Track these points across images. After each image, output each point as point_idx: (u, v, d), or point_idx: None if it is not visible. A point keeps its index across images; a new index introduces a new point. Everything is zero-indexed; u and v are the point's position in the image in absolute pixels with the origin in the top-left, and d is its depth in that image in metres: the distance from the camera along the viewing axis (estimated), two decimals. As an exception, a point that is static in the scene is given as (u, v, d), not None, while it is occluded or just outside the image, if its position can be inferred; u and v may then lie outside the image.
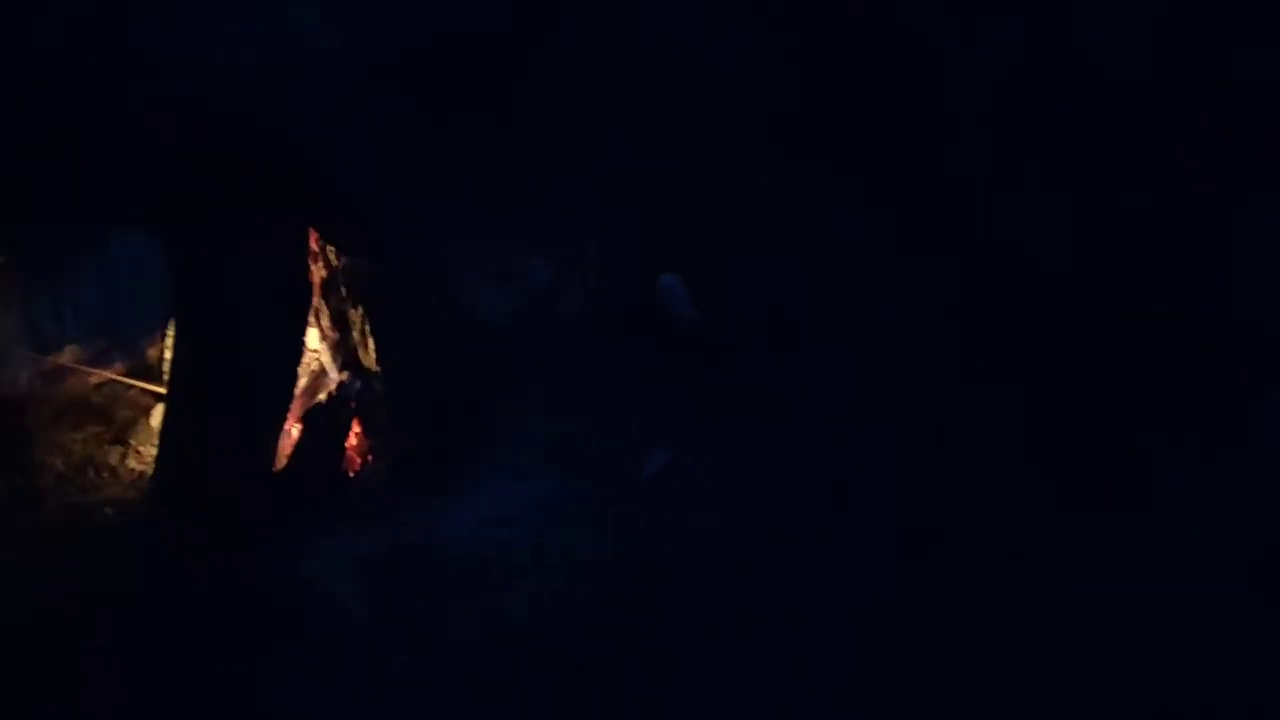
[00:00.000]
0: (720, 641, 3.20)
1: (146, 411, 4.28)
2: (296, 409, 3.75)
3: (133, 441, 4.16)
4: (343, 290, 3.69)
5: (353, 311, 3.71)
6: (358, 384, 3.76)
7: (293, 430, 3.73)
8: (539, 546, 3.54)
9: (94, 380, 4.50)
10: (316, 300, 3.70)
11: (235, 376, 3.44)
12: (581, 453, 3.95)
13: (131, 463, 4.08)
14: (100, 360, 4.51)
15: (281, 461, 3.71)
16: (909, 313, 4.31)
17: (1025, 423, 3.75)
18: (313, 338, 3.80)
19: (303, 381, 3.83)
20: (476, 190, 4.75)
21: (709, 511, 3.70)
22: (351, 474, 3.83)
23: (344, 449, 3.79)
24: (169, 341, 4.17)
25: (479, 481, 3.80)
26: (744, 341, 4.39)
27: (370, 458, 3.84)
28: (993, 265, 4.21)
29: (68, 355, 4.47)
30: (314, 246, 3.62)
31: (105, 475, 4.06)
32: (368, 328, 3.73)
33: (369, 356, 3.78)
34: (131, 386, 4.44)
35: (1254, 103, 3.95)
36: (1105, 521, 3.36)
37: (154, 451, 3.90)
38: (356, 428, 3.84)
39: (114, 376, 4.48)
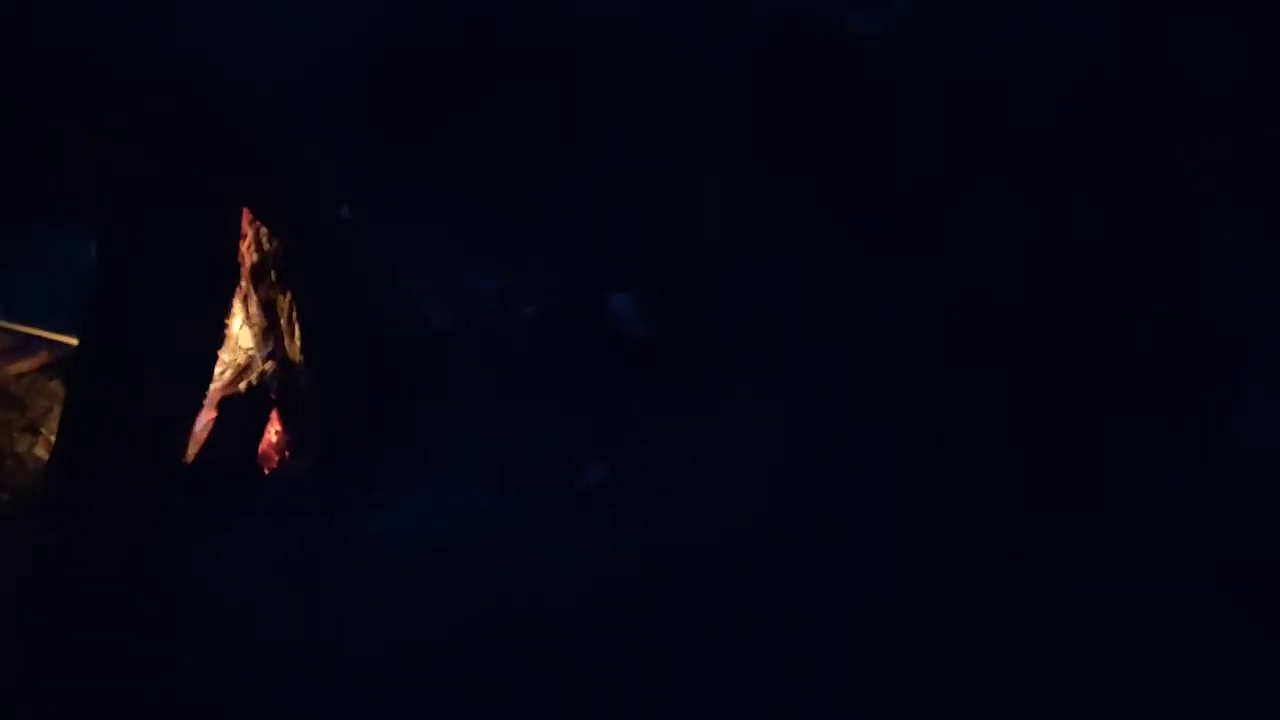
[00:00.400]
0: (651, 654, 3.04)
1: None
2: (214, 397, 3.56)
3: (44, 430, 3.96)
4: (273, 276, 3.55)
5: (281, 299, 3.57)
6: (279, 374, 3.59)
7: (208, 419, 3.54)
8: (455, 553, 3.36)
9: (13, 370, 4.32)
10: (245, 284, 3.55)
11: (147, 358, 3.27)
12: (514, 463, 3.80)
13: (40, 451, 3.88)
14: (23, 350, 4.35)
15: (192, 452, 3.51)
16: (886, 320, 4.23)
17: (1018, 422, 3.67)
18: (237, 324, 3.64)
19: (224, 371, 3.65)
20: (429, 194, 4.71)
21: (645, 525, 3.55)
22: (267, 470, 3.64)
23: (259, 442, 3.60)
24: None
25: (402, 485, 3.63)
26: (696, 359, 4.28)
27: (288, 454, 3.65)
28: (981, 266, 4.16)
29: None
30: (246, 228, 3.48)
31: (9, 463, 3.86)
32: (295, 316, 3.58)
33: (294, 346, 3.62)
34: (53, 378, 4.26)
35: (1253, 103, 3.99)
36: (1103, 521, 3.31)
37: (63, 439, 3.71)
38: (276, 423, 3.66)
39: (35, 366, 4.29)
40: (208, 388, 3.49)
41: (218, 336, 3.45)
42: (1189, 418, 3.55)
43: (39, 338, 4.35)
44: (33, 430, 4.06)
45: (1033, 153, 4.39)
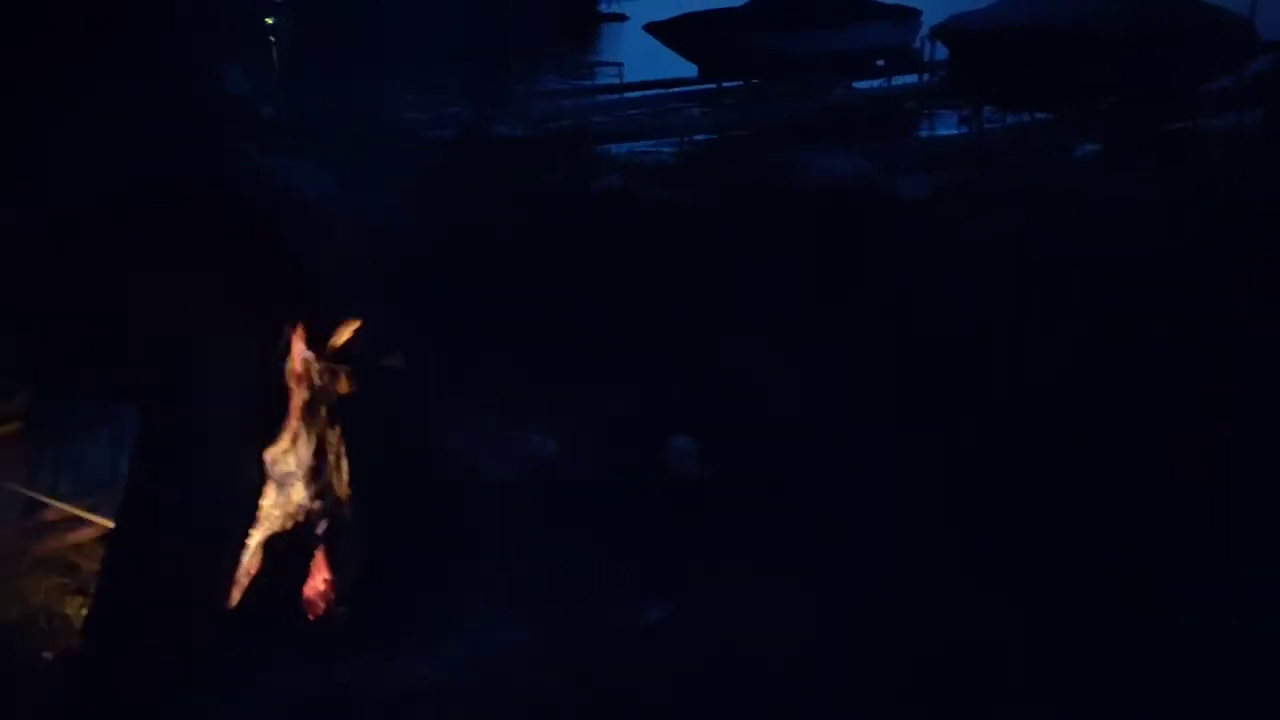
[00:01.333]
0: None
1: (115, 564, 4.01)
2: (260, 539, 3.45)
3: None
4: (323, 412, 3.53)
5: (330, 434, 3.53)
6: (326, 517, 3.49)
7: (252, 561, 3.42)
8: (502, 691, 3.09)
9: (70, 541, 4.30)
10: (295, 422, 3.53)
11: (190, 499, 3.21)
12: (567, 605, 3.57)
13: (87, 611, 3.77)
14: (81, 522, 4.34)
15: (236, 596, 3.37)
16: (937, 472, 4.13)
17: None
18: (288, 463, 3.58)
19: (271, 511, 3.56)
20: (484, 350, 4.79)
21: (702, 669, 3.26)
22: (312, 617, 3.45)
23: (304, 586, 3.44)
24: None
25: (449, 629, 3.42)
26: (756, 504, 4.13)
27: (334, 599, 3.48)
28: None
29: (53, 512, 4.32)
30: (297, 367, 3.50)
31: (58, 623, 3.76)
32: (344, 452, 3.52)
33: (343, 488, 3.54)
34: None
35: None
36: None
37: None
38: (324, 569, 3.51)
39: (92, 537, 4.26)
40: (251, 529, 3.39)
41: (263, 476, 3.39)
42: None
43: (100, 504, 4.36)
44: (83, 593, 3.99)
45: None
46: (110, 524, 4.27)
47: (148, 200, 3.23)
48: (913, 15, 25.11)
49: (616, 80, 23.10)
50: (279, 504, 3.60)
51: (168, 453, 3.24)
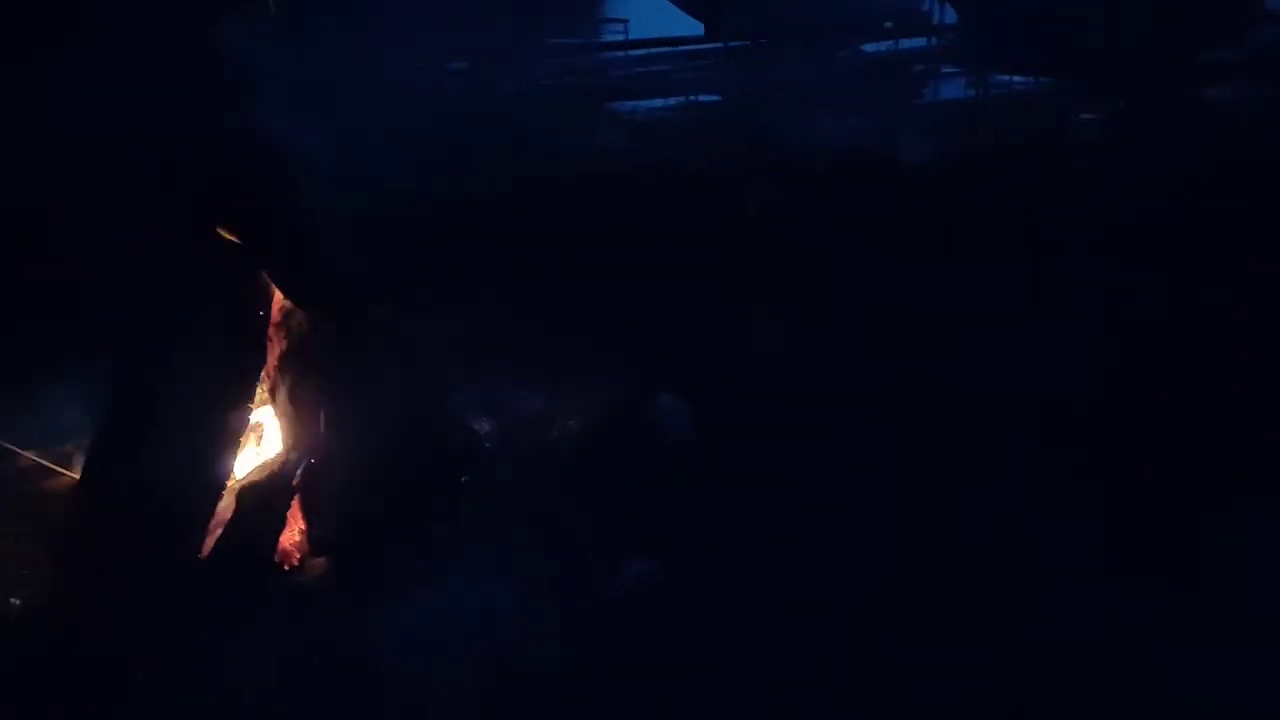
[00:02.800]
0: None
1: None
2: (235, 487, 3.41)
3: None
4: (303, 362, 3.47)
5: (310, 383, 3.47)
6: (304, 466, 3.44)
7: (228, 510, 3.37)
8: (479, 652, 3.05)
9: (46, 484, 4.25)
10: (273, 371, 3.47)
11: (165, 443, 3.16)
12: (550, 562, 3.53)
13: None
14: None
15: (210, 544, 3.33)
16: (933, 430, 4.07)
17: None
18: (266, 411, 3.54)
19: (247, 460, 3.52)
20: (473, 307, 4.71)
21: (688, 631, 3.23)
22: (287, 567, 3.42)
23: (280, 536, 3.40)
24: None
25: (429, 584, 3.38)
26: (748, 464, 4.08)
27: (309, 550, 3.44)
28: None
29: (22, 460, 4.28)
30: (278, 316, 3.44)
31: (25, 570, 3.72)
32: (325, 406, 3.47)
33: (322, 438, 3.48)
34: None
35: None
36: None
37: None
38: (299, 518, 3.47)
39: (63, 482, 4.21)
40: (228, 476, 3.35)
41: (241, 421, 3.33)
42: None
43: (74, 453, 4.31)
44: (51, 540, 3.93)
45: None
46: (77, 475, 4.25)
47: (133, 149, 3.14)
48: (922, -23, 24.74)
49: (622, 37, 22.76)
50: (256, 452, 3.56)
51: (139, 400, 3.19)
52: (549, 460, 4.17)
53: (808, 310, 5.00)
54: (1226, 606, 3.11)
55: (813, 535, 3.62)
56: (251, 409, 3.40)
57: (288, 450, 3.51)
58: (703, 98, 15.43)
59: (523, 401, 4.59)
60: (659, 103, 14.48)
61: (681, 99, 14.95)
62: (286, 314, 3.45)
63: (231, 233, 3.20)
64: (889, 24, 24.77)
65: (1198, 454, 3.84)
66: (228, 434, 3.33)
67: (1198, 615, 3.06)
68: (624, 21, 25.34)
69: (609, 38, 25.09)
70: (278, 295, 3.41)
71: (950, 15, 18.66)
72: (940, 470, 3.99)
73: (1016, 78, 15.56)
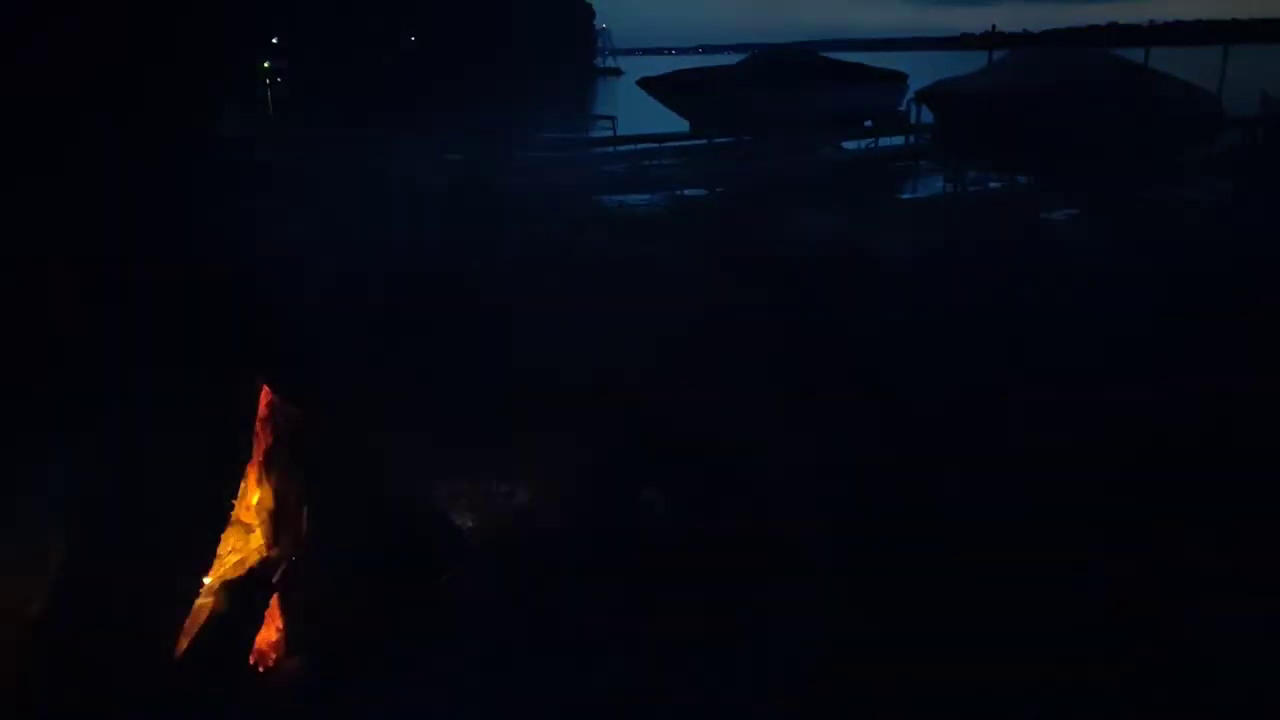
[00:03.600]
0: None
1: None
2: (213, 584, 3.38)
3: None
4: (288, 458, 3.49)
5: (293, 478, 3.48)
6: (283, 564, 3.43)
7: (204, 607, 3.34)
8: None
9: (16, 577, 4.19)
10: (257, 467, 3.49)
11: (142, 538, 3.15)
12: (527, 661, 3.50)
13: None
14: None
15: (184, 643, 3.28)
16: (913, 521, 4.09)
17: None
18: (248, 507, 3.54)
19: (227, 556, 3.50)
20: (458, 399, 4.76)
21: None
22: (262, 669, 3.37)
23: (256, 635, 3.37)
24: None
25: (408, 681, 3.34)
26: (730, 557, 4.09)
27: (286, 651, 3.40)
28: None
29: None
30: (264, 410, 3.47)
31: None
32: (307, 504, 3.47)
33: (302, 536, 3.48)
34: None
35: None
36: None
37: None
38: (277, 617, 3.44)
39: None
40: (207, 573, 3.33)
41: (223, 517, 3.33)
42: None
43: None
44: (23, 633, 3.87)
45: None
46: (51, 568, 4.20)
47: (125, 242, 3.22)
48: (899, 79, 25.61)
49: (610, 133, 23.40)
50: (235, 549, 3.55)
51: (118, 492, 3.19)
52: (531, 554, 4.16)
53: (790, 402, 5.08)
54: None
55: (789, 629, 3.61)
56: (233, 504, 3.40)
57: (269, 547, 3.50)
58: (688, 192, 15.86)
59: (506, 495, 4.60)
60: (645, 197, 14.85)
61: (666, 193, 15.35)
62: (273, 408, 3.48)
63: (222, 326, 3.25)
64: (869, 123, 25.67)
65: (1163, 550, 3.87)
66: (208, 529, 3.32)
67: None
68: (611, 118, 26.10)
69: (598, 134, 25.77)
70: (265, 389, 3.44)
71: (927, 116, 19.34)
72: (922, 562, 4.00)
73: (991, 176, 16.10)
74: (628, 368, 4.84)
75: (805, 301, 5.37)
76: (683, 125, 23.86)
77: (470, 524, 4.36)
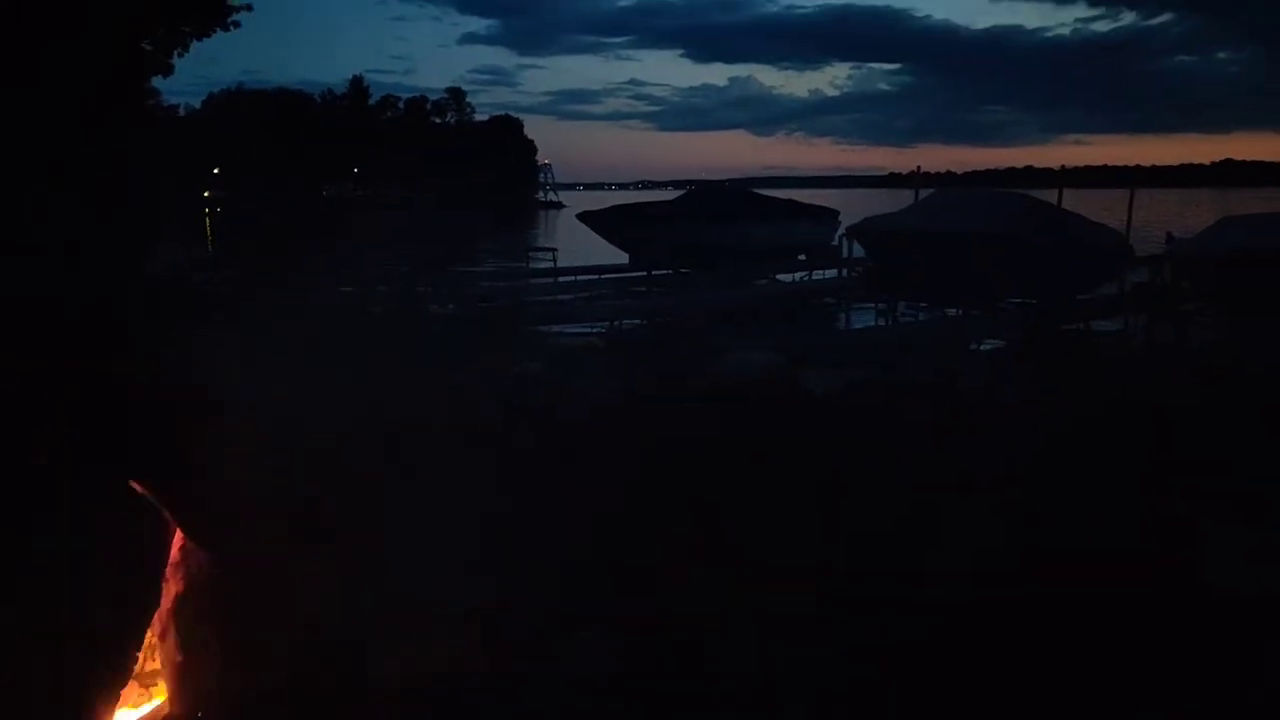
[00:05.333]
0: None
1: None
2: (113, 746, 3.15)
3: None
4: (200, 606, 3.31)
5: (205, 628, 3.30)
6: (190, 716, 3.21)
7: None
8: None
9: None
10: (165, 616, 3.30)
11: (39, 691, 2.93)
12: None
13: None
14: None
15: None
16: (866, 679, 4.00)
17: None
18: (153, 658, 3.33)
19: (131, 710, 3.27)
20: (391, 543, 4.59)
21: None
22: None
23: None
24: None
25: None
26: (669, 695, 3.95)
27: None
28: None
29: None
30: (176, 555, 3.32)
31: None
32: (220, 653, 3.29)
33: (215, 687, 3.28)
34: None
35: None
36: None
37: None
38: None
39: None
40: (105, 733, 3.10)
41: (127, 668, 3.13)
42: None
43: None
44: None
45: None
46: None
47: (42, 378, 3.12)
48: (830, 215, 26.66)
49: (551, 264, 23.81)
50: (137, 703, 3.32)
51: (13, 638, 2.98)
52: (461, 700, 3.96)
53: (728, 538, 5.01)
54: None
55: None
56: (137, 656, 3.20)
57: (172, 704, 3.28)
58: (626, 322, 16.08)
59: (433, 639, 4.41)
60: (584, 327, 15.01)
61: (604, 324, 15.55)
62: (186, 553, 3.33)
63: (140, 470, 3.13)
64: (803, 256, 26.52)
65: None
66: (111, 681, 3.11)
67: None
68: (553, 250, 26.60)
69: (538, 265, 26.18)
70: (178, 534, 3.29)
71: (858, 250, 20.07)
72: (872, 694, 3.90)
73: (921, 308, 16.65)
74: (564, 504, 4.75)
75: (743, 431, 5.37)
76: (622, 257, 24.41)
77: (400, 670, 4.15)
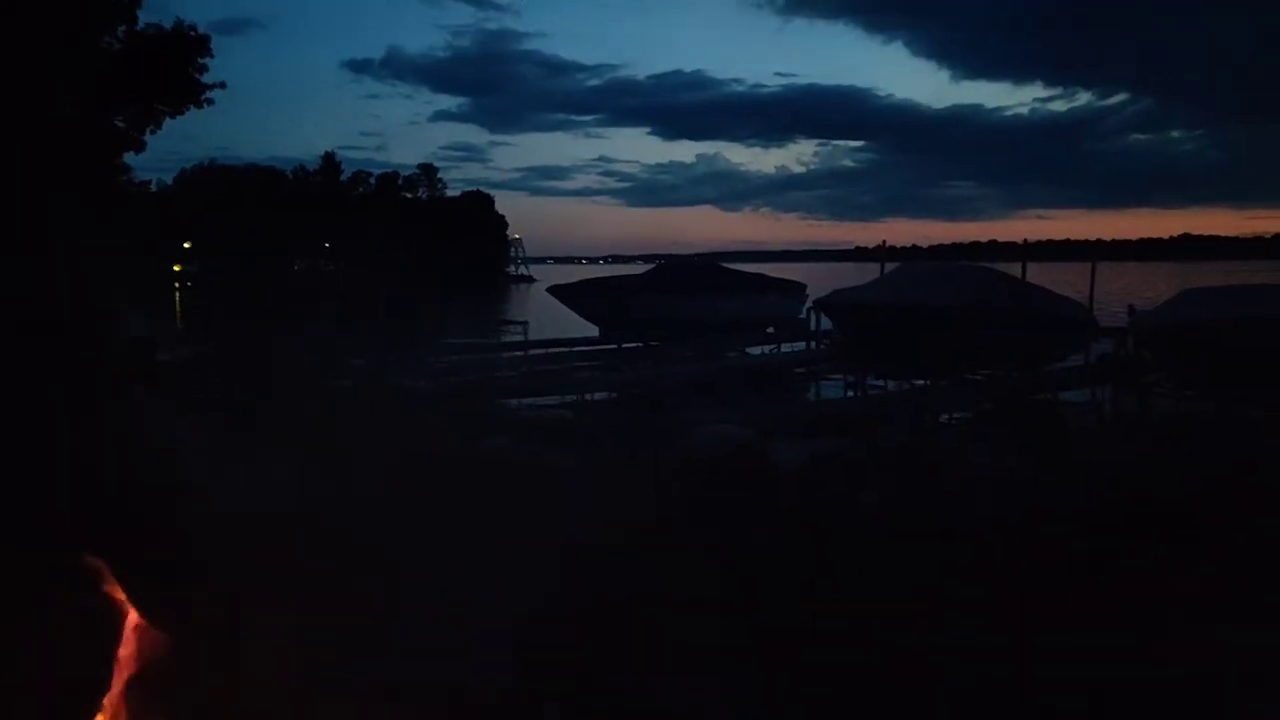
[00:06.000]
0: None
1: None
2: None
3: None
4: (150, 691, 3.20)
5: (160, 714, 3.18)
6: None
7: None
8: None
9: None
10: (115, 700, 3.18)
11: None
12: None
13: None
14: None
15: None
16: None
17: None
18: (100, 747, 3.19)
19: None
20: (349, 627, 4.49)
21: None
22: None
23: None
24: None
25: None
26: None
27: None
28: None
29: None
30: (128, 633, 3.22)
31: None
32: (173, 736, 3.17)
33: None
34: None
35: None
36: None
37: None
38: None
39: None
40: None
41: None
42: None
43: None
44: None
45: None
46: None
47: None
48: (798, 288, 27.05)
49: (522, 337, 23.86)
50: (85, 796, 3.18)
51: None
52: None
53: (700, 613, 4.95)
54: None
55: None
56: (84, 744, 3.07)
57: (122, 791, 3.14)
58: (596, 395, 16.07)
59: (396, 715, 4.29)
60: (553, 400, 14.98)
61: (574, 396, 15.53)
62: (140, 633, 3.23)
63: (94, 546, 3.05)
64: (771, 329, 26.81)
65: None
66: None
67: None
68: (524, 323, 26.70)
69: (509, 339, 26.24)
70: (131, 613, 3.20)
71: (826, 323, 20.30)
72: None
73: (889, 381, 16.82)
74: (530, 586, 4.68)
75: (708, 507, 5.36)
76: (592, 330, 24.53)
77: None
